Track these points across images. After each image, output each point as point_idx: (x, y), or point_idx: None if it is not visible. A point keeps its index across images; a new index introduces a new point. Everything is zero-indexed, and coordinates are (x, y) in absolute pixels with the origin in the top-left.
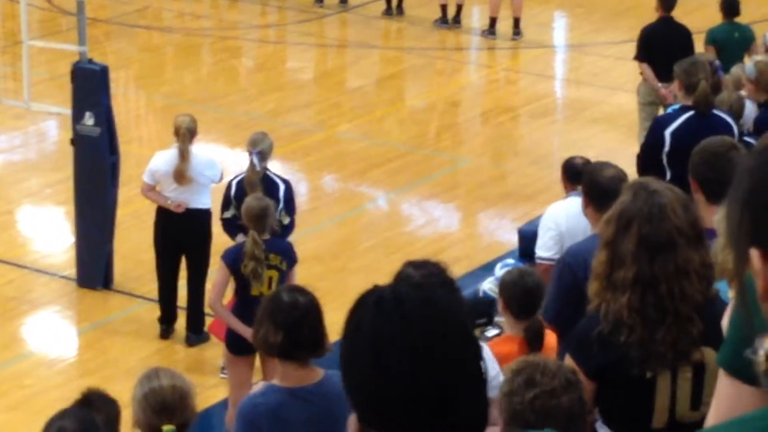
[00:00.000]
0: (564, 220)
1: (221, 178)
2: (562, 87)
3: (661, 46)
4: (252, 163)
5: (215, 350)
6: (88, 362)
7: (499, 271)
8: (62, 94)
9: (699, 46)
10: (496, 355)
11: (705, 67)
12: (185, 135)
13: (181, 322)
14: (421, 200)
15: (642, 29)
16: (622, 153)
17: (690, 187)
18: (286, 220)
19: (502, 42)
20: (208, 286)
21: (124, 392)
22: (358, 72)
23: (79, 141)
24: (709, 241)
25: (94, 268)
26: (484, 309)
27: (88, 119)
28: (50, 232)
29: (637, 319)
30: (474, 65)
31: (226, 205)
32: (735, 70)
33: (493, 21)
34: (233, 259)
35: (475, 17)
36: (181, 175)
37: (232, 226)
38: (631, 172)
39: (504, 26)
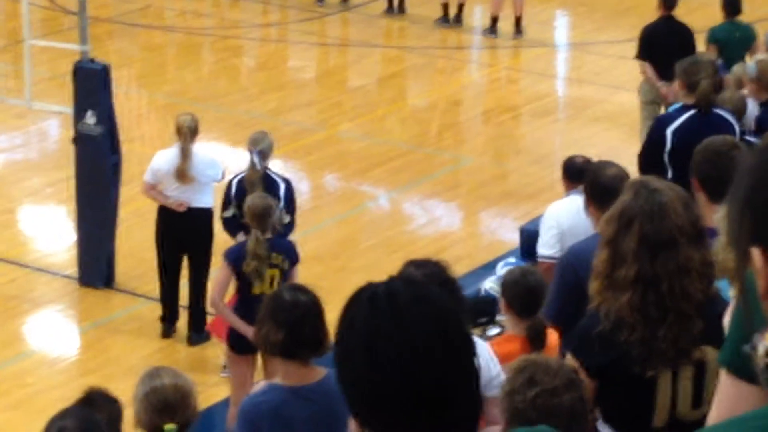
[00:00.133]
0: (565, 218)
1: (223, 177)
2: (563, 86)
3: (663, 45)
4: (252, 162)
5: (217, 349)
6: (89, 361)
7: (501, 270)
8: (64, 93)
9: (700, 45)
10: (499, 355)
11: (706, 67)
12: (187, 134)
13: (182, 321)
14: (423, 199)
15: (643, 28)
16: (623, 152)
17: (691, 185)
18: (287, 219)
19: (504, 41)
20: (210, 285)
21: (125, 391)
22: (359, 71)
23: (80, 140)
24: (710, 239)
25: (96, 267)
26: (485, 308)
27: (90, 118)
28: (52, 231)
29: (638, 318)
30: (475, 64)
31: (226, 204)
32: (736, 69)
33: (494, 20)
34: (235, 258)
35: (477, 16)
36: (182, 174)
37: (232, 225)
38: (633, 170)
39: (505, 25)
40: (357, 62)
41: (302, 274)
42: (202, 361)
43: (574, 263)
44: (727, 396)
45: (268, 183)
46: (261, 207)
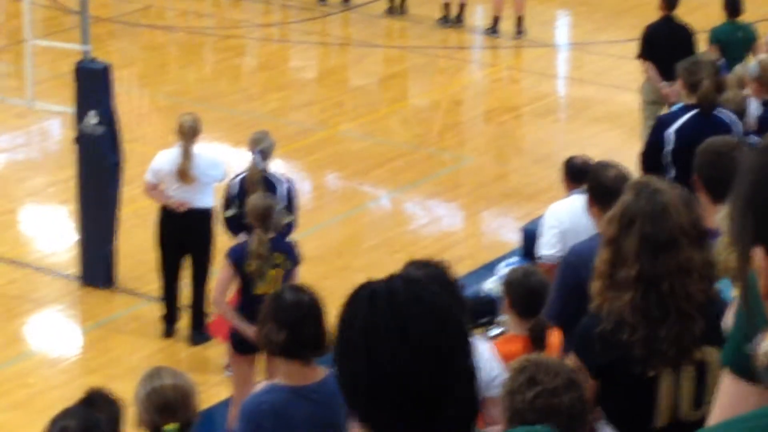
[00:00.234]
0: (566, 217)
1: (224, 177)
2: (564, 86)
3: (664, 45)
4: (253, 162)
5: (218, 349)
6: (90, 361)
7: (502, 270)
8: (65, 93)
9: (702, 45)
10: (501, 355)
11: (708, 66)
12: (188, 134)
13: (184, 321)
14: (424, 199)
15: (645, 28)
16: (625, 152)
17: (693, 186)
18: (288, 219)
19: (505, 41)
20: (212, 285)
21: (127, 391)
22: (360, 71)
23: (82, 140)
24: (711, 240)
25: (97, 267)
26: (486, 308)
27: (92, 118)
28: (53, 231)
29: (639, 318)
30: (477, 64)
31: (227, 203)
32: (738, 69)
33: (495, 20)
34: (238, 258)
35: (478, 16)
36: (184, 174)
37: (233, 225)
38: (634, 171)
39: (507, 25)
40: (358, 62)
41: (303, 274)
42: (203, 361)
43: (575, 263)
44: (729, 396)
45: (269, 183)
46: (263, 207)
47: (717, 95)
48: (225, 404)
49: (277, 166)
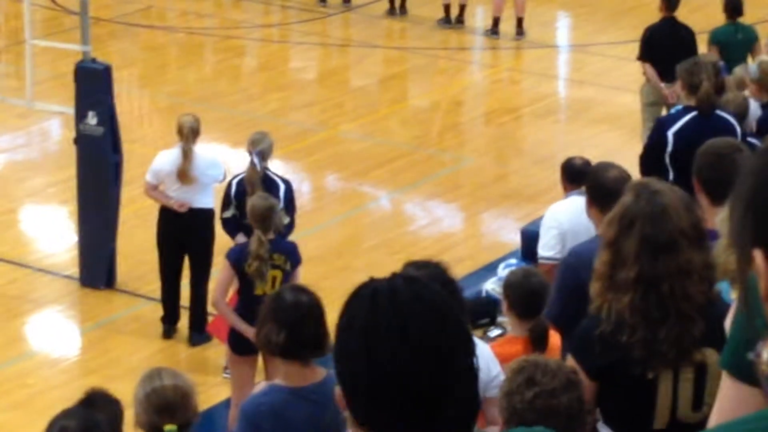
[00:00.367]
0: (566, 219)
1: (224, 178)
2: (565, 87)
3: (664, 47)
4: (252, 163)
5: (218, 350)
6: (90, 361)
7: (502, 271)
8: (65, 94)
9: (702, 46)
10: (501, 356)
11: (708, 68)
12: (188, 134)
13: (183, 322)
14: (424, 200)
15: (645, 29)
16: (625, 153)
17: (693, 187)
18: (286, 220)
19: (505, 42)
20: (211, 285)
21: (126, 392)
22: (361, 71)
23: (82, 140)
24: (711, 242)
25: (97, 267)
26: (486, 309)
27: (91, 118)
28: (53, 231)
29: (638, 319)
30: (477, 65)
31: (226, 204)
32: (738, 70)
33: (496, 21)
34: (237, 258)
35: (479, 17)
36: (184, 174)
37: (232, 226)
38: (634, 172)
39: (507, 26)
40: (358, 63)
41: (303, 275)
42: (202, 361)
43: (575, 265)
44: (729, 399)
45: (268, 183)
46: (263, 208)
47: (717, 97)
48: (225, 405)
49: (276, 167)
